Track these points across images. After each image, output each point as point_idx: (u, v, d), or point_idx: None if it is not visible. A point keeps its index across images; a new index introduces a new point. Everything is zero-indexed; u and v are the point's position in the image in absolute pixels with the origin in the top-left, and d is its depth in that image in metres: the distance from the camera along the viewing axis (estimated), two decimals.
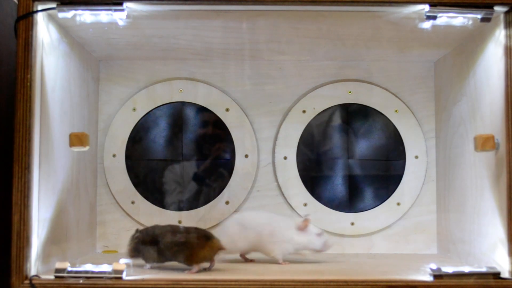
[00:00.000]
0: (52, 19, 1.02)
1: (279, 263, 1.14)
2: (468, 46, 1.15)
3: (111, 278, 0.91)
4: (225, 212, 1.38)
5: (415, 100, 1.40)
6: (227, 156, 1.40)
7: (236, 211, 1.38)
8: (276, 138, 1.40)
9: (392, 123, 1.40)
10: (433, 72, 1.40)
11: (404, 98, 1.40)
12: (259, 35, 1.19)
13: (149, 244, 1.06)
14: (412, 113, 1.40)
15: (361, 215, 1.38)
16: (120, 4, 0.96)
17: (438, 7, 0.96)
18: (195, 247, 1.02)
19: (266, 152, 1.40)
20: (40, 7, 0.96)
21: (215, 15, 1.06)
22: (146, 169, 1.39)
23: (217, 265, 1.06)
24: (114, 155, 1.38)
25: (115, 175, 1.37)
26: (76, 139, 1.04)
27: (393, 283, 0.91)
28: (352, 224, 1.38)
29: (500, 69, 0.99)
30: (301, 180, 1.39)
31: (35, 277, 0.92)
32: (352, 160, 1.40)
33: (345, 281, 0.91)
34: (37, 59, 0.96)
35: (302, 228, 1.15)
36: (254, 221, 1.18)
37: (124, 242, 1.25)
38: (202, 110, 1.40)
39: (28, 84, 0.93)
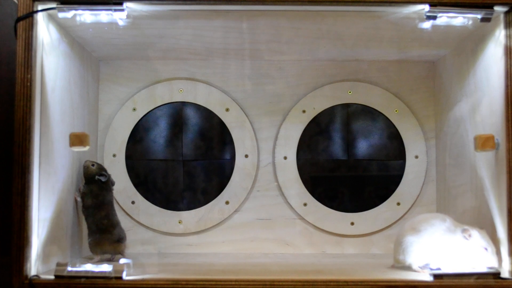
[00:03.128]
0: (52, 19, 1.02)
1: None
2: (468, 46, 1.15)
3: (111, 278, 0.91)
4: (225, 212, 1.38)
5: (415, 100, 1.40)
6: (227, 156, 1.40)
7: (236, 211, 1.38)
8: (276, 138, 1.40)
9: (392, 123, 1.40)
10: (433, 72, 1.40)
11: (404, 98, 1.40)
12: (259, 35, 1.19)
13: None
14: (412, 113, 1.40)
15: (361, 215, 1.38)
16: (120, 4, 0.96)
17: (438, 7, 0.96)
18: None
19: (266, 152, 1.40)
20: (40, 7, 0.96)
21: (215, 15, 1.06)
22: (146, 169, 1.39)
23: (217, 265, 1.06)
24: (114, 155, 1.38)
25: (115, 175, 1.37)
26: (76, 139, 1.05)
27: (393, 283, 0.91)
28: (352, 224, 1.38)
29: (500, 69, 0.99)
30: (301, 180, 1.39)
31: (35, 277, 0.92)
32: (352, 160, 1.40)
33: (345, 281, 0.91)
34: (37, 59, 0.96)
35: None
36: None
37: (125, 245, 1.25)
38: (202, 110, 1.40)
39: (28, 84, 0.93)
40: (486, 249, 0.99)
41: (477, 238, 0.99)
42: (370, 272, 1.05)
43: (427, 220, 1.10)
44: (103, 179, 1.18)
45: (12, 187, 0.92)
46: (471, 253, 1.00)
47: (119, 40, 1.21)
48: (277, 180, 1.39)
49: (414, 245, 1.06)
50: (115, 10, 0.97)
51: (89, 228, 1.17)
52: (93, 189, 1.17)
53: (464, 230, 1.00)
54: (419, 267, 1.04)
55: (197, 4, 0.98)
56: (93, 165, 1.19)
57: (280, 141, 1.39)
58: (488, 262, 0.98)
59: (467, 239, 1.00)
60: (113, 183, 1.23)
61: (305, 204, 1.38)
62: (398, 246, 1.10)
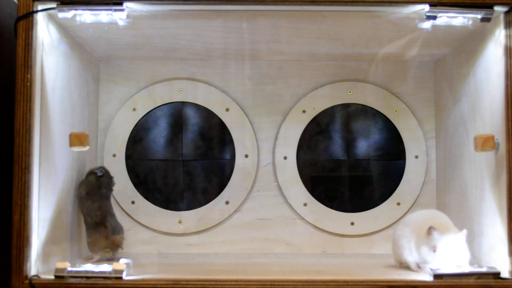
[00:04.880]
0: (52, 19, 1.02)
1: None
2: (468, 46, 1.15)
3: (111, 278, 0.91)
4: (225, 212, 1.38)
5: (415, 100, 1.40)
6: (227, 156, 1.40)
7: (236, 211, 1.38)
8: (276, 138, 1.40)
9: (392, 123, 1.40)
10: (433, 72, 1.40)
11: (404, 98, 1.40)
12: (259, 35, 1.19)
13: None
14: (412, 113, 1.40)
15: (361, 215, 1.38)
16: (120, 4, 0.96)
17: (438, 7, 0.96)
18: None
19: (266, 152, 1.40)
20: (40, 7, 0.96)
21: (215, 15, 1.06)
22: (146, 169, 1.39)
23: (217, 265, 1.06)
24: (114, 155, 1.38)
25: (115, 175, 1.37)
26: (76, 139, 1.05)
27: (393, 283, 0.91)
28: (352, 224, 1.38)
29: (500, 69, 0.99)
30: (301, 180, 1.39)
31: (35, 277, 0.92)
32: (352, 160, 1.40)
33: (345, 281, 0.91)
34: (37, 59, 0.96)
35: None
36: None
37: (124, 242, 1.25)
38: (202, 110, 1.40)
39: (28, 84, 0.93)
40: (434, 251, 0.98)
41: (434, 238, 0.99)
42: (370, 272, 1.05)
43: (415, 216, 1.11)
44: (99, 173, 1.19)
45: (12, 187, 0.92)
46: (424, 251, 1.01)
47: (119, 40, 1.21)
48: (277, 180, 1.39)
49: (401, 239, 1.07)
50: (115, 10, 0.97)
51: (85, 222, 1.17)
52: (89, 180, 1.18)
53: (429, 228, 1.00)
54: (417, 266, 1.04)
55: (197, 4, 0.98)
56: (101, 172, 1.20)
57: (280, 141, 1.39)
58: (434, 263, 0.98)
59: (427, 237, 1.00)
60: (113, 184, 1.23)
61: (305, 204, 1.38)
62: (393, 242, 1.11)
